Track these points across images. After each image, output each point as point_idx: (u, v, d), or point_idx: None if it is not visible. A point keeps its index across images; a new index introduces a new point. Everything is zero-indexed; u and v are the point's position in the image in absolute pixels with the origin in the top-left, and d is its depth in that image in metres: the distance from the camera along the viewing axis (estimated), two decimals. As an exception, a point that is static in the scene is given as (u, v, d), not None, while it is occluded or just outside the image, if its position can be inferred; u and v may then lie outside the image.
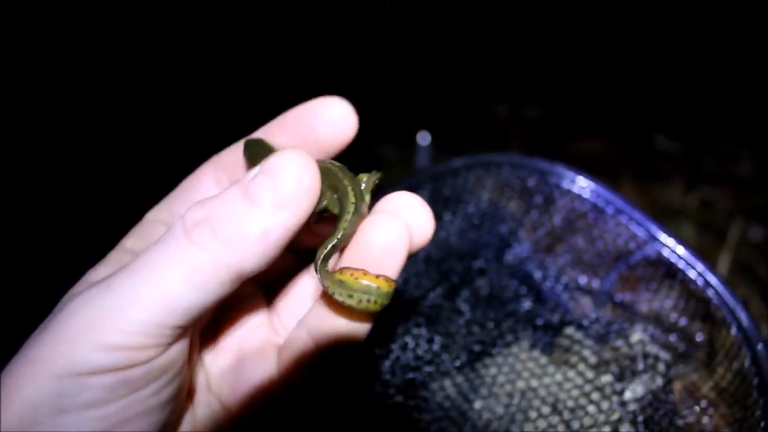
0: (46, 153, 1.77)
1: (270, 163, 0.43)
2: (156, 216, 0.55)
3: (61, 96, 1.94)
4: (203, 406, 0.53)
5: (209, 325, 0.56)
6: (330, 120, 0.53)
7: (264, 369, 0.53)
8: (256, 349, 0.54)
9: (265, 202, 0.42)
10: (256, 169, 0.44)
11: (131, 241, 0.53)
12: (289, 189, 0.42)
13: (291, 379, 0.52)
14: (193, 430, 0.51)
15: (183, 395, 0.48)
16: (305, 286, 0.57)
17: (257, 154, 0.51)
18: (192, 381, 0.52)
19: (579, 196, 1.01)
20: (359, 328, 0.50)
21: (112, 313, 0.40)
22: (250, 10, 2.54)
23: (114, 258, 0.51)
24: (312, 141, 0.53)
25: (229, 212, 0.42)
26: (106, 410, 0.40)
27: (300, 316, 0.52)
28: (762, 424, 0.80)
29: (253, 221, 0.42)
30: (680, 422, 0.88)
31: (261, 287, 0.59)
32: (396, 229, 0.46)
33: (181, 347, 0.45)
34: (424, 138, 1.69)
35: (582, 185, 1.00)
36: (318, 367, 0.50)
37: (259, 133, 0.55)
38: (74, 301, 0.41)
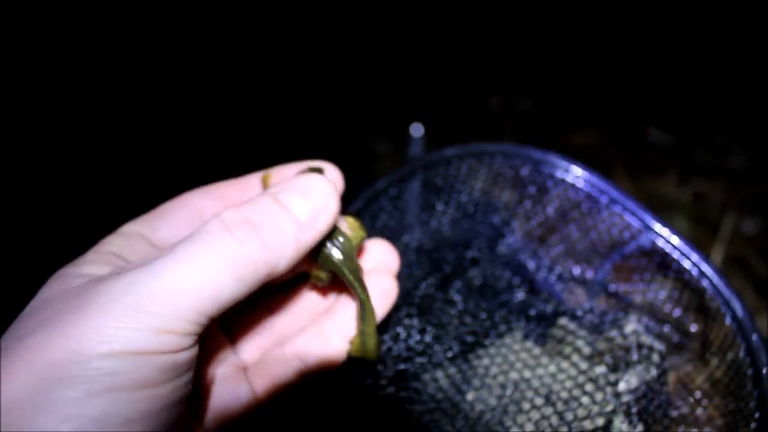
0: (44, 153, 1.75)
1: (301, 180, 0.50)
2: (135, 229, 0.56)
3: (57, 96, 1.92)
4: None
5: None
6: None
7: (233, 392, 0.57)
8: (222, 375, 0.58)
9: (296, 211, 0.48)
10: (278, 185, 0.51)
11: (113, 247, 0.53)
12: (318, 206, 0.49)
13: (268, 398, 0.58)
14: None
15: (188, 396, 0.48)
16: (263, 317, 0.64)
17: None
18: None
19: (573, 186, 0.99)
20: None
21: (160, 296, 0.41)
22: (247, 10, 2.52)
23: (98, 259, 0.50)
24: None
25: (265, 215, 0.47)
26: (155, 390, 0.41)
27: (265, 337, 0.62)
28: (756, 414, 0.80)
29: (286, 225, 0.47)
30: (674, 413, 0.87)
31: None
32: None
33: (198, 347, 0.46)
34: (417, 130, 1.68)
35: (576, 174, 0.99)
36: (299, 386, 0.59)
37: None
38: (113, 281, 0.41)
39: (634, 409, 0.82)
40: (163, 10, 2.35)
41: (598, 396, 0.81)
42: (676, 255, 0.93)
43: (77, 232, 1.55)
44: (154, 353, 0.40)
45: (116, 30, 2.20)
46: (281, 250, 0.46)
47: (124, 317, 0.39)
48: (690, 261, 0.93)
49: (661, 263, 0.96)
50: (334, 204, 0.50)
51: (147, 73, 2.11)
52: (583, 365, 0.85)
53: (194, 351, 0.45)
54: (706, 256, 0.92)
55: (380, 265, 0.64)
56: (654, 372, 0.86)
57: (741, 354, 0.86)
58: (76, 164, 1.73)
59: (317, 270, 0.57)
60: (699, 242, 1.75)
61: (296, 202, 0.48)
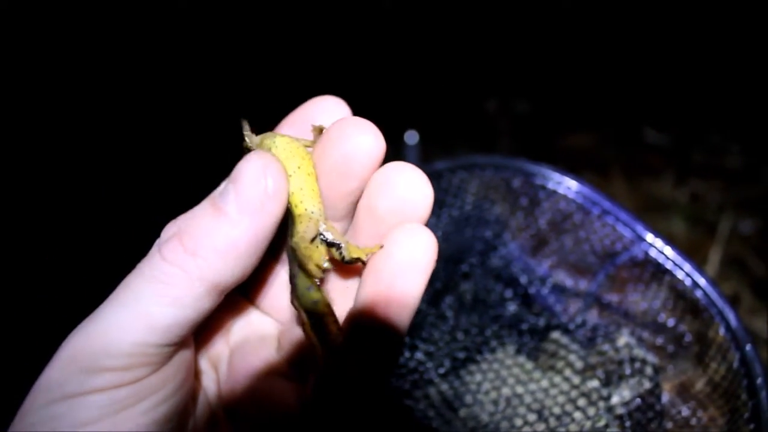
0: (43, 153, 1.75)
1: (235, 169, 0.43)
2: None
3: (57, 96, 1.93)
4: (216, 425, 0.52)
5: (220, 342, 0.55)
6: (324, 119, 0.50)
7: (263, 356, 0.52)
8: (253, 338, 0.54)
9: (230, 210, 0.42)
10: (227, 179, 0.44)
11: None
12: (252, 194, 0.42)
13: (292, 363, 0.52)
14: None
15: (182, 414, 0.47)
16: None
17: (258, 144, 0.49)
18: (198, 398, 0.51)
19: (564, 197, 0.99)
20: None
21: (96, 337, 0.41)
22: (247, 10, 2.52)
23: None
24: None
25: (197, 224, 0.42)
26: (95, 428, 0.41)
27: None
28: (751, 426, 0.80)
29: (219, 231, 0.42)
30: (669, 425, 0.87)
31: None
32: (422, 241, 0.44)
33: (175, 366, 0.44)
34: (412, 137, 1.68)
35: (568, 186, 0.98)
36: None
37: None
38: (70, 334, 0.42)
39: (628, 423, 0.82)
40: (163, 10, 2.36)
41: (591, 411, 0.81)
42: (669, 265, 0.93)
43: (77, 232, 1.55)
44: (95, 392, 0.41)
45: (116, 30, 2.20)
46: (216, 262, 0.42)
47: (68, 362, 0.41)
48: (683, 271, 0.93)
49: (655, 273, 0.96)
50: (274, 183, 0.43)
51: (147, 73, 2.12)
52: (576, 380, 0.85)
53: (161, 377, 0.43)
54: (700, 263, 0.93)
55: (402, 208, 0.45)
56: (647, 385, 0.86)
57: (735, 364, 0.86)
58: (76, 164, 1.74)
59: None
60: (696, 243, 1.75)
61: (230, 200, 0.42)
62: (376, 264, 0.45)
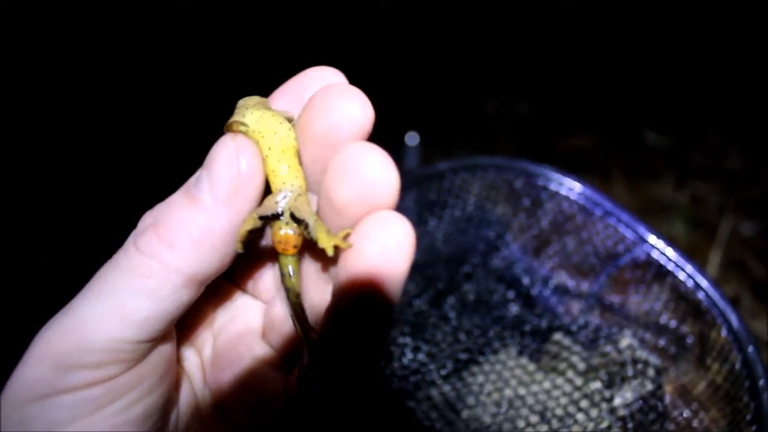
0: (43, 154, 1.75)
1: (208, 155, 0.41)
2: None
3: (57, 96, 1.92)
4: (202, 412, 0.50)
5: (205, 327, 0.53)
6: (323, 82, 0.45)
7: (249, 344, 0.50)
8: (237, 334, 0.51)
9: (204, 198, 0.40)
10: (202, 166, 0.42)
11: None
12: (226, 179, 0.40)
13: (279, 358, 0.50)
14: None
15: (162, 411, 0.45)
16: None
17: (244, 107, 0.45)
18: (181, 389, 0.49)
19: (567, 198, 0.99)
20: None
21: (68, 331, 0.39)
22: (247, 9, 2.52)
23: None
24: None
25: (172, 214, 0.41)
26: (70, 428, 0.39)
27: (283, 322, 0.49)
28: (753, 428, 0.80)
29: (193, 220, 0.40)
30: (671, 426, 0.87)
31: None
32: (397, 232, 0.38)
33: (153, 363, 0.43)
34: (412, 138, 1.68)
35: (569, 187, 0.98)
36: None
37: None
38: (42, 328, 0.41)
39: (630, 424, 0.82)
40: (163, 10, 2.36)
41: (594, 412, 0.81)
42: (671, 267, 0.93)
43: (77, 232, 1.55)
44: (66, 392, 0.39)
45: (116, 30, 2.20)
46: (192, 251, 0.40)
47: (38, 361, 0.39)
48: (685, 272, 0.93)
49: (657, 275, 0.96)
50: (246, 165, 0.41)
51: (147, 73, 2.12)
52: (578, 381, 0.84)
53: (137, 374, 0.42)
54: (701, 265, 0.92)
55: (367, 194, 0.39)
56: (650, 386, 0.86)
57: (737, 366, 0.85)
58: (76, 164, 1.73)
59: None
60: (697, 245, 1.75)
61: (204, 186, 0.40)
62: (347, 260, 0.39)
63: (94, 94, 1.99)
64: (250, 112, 0.43)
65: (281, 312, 0.50)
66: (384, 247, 0.38)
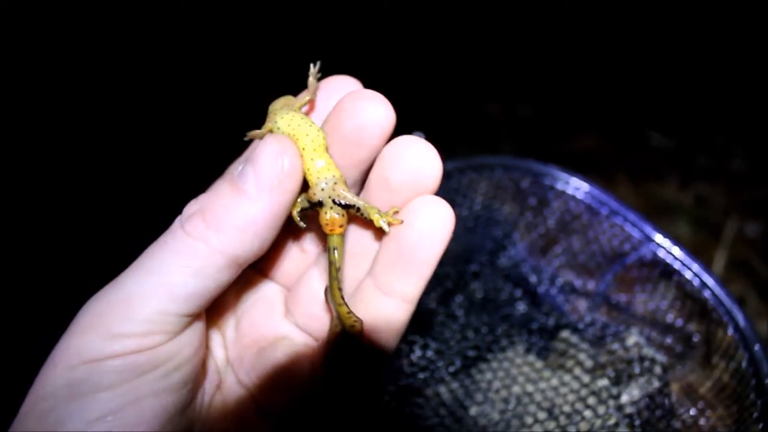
0: (43, 155, 1.76)
1: (253, 152, 0.46)
2: None
3: (58, 96, 1.93)
4: (225, 389, 0.53)
5: (228, 310, 0.56)
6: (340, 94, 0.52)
7: (274, 330, 0.55)
8: (261, 314, 0.56)
9: (249, 189, 0.45)
10: (243, 160, 0.48)
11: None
12: (270, 173, 0.45)
13: (303, 335, 0.55)
14: (211, 412, 0.52)
15: (195, 381, 0.49)
16: (312, 276, 0.56)
17: (273, 110, 0.52)
18: (208, 365, 0.53)
19: (573, 198, 1.00)
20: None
21: (118, 304, 0.43)
22: (247, 9, 2.53)
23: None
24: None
25: (218, 202, 0.45)
26: (114, 392, 0.42)
27: (310, 302, 0.54)
28: (760, 425, 0.80)
29: (239, 208, 0.45)
30: (678, 424, 0.88)
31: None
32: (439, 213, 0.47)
33: (190, 336, 0.47)
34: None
35: (576, 186, 0.99)
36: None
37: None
38: (90, 300, 0.45)
39: (637, 421, 0.83)
40: (163, 11, 2.36)
41: (601, 409, 0.82)
42: (677, 265, 0.94)
43: (78, 231, 1.56)
44: (114, 357, 0.42)
45: (116, 30, 2.21)
46: (236, 236, 0.45)
47: (89, 328, 0.43)
48: (691, 271, 0.93)
49: (663, 274, 0.96)
50: (289, 163, 0.46)
51: (147, 73, 2.12)
52: (586, 378, 0.85)
53: (178, 344, 0.45)
54: (707, 266, 0.93)
55: (414, 179, 0.47)
56: (656, 383, 0.86)
57: (743, 364, 0.86)
58: (76, 164, 1.74)
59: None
60: (701, 246, 1.75)
61: (249, 179, 0.45)
62: (396, 232, 0.48)
63: (94, 94, 2.00)
64: (281, 117, 0.50)
65: (309, 291, 0.54)
66: (431, 221, 0.47)
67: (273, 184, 0.45)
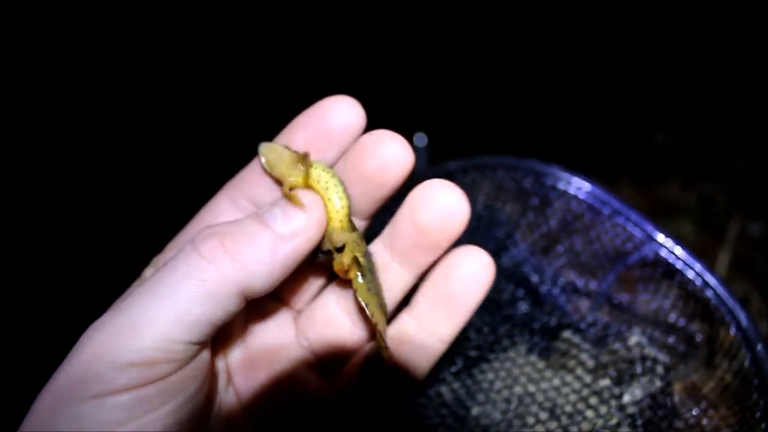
0: (44, 154, 1.76)
1: (284, 197, 0.49)
2: (175, 246, 0.55)
3: (58, 97, 1.94)
4: (224, 408, 0.53)
5: (235, 332, 0.56)
6: (340, 115, 0.53)
7: (286, 353, 0.55)
8: (272, 337, 0.56)
9: (275, 227, 0.46)
10: (270, 203, 0.50)
11: (151, 270, 0.54)
12: (298, 219, 0.48)
13: (317, 359, 0.56)
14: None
15: (205, 408, 0.48)
16: (329, 301, 0.58)
17: (278, 159, 0.53)
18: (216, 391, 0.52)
19: (575, 198, 1.00)
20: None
21: (123, 332, 0.41)
22: (247, 10, 2.53)
23: (135, 286, 0.52)
24: (325, 137, 0.54)
25: (239, 231, 0.46)
26: (125, 428, 0.41)
27: (326, 325, 0.56)
28: (763, 425, 0.80)
29: (261, 241, 0.45)
30: (680, 424, 0.87)
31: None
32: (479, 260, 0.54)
33: (198, 365, 0.45)
34: (420, 139, 1.69)
35: (578, 186, 0.99)
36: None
37: (279, 139, 0.56)
38: (91, 327, 0.43)
39: (639, 421, 0.83)
40: (164, 12, 2.37)
41: (603, 409, 0.82)
42: (679, 265, 0.94)
43: (78, 231, 1.56)
44: (121, 391, 0.41)
45: (116, 30, 2.21)
46: (253, 267, 0.45)
47: (93, 359, 0.41)
48: (693, 271, 0.93)
49: (665, 273, 0.96)
50: (318, 214, 0.49)
51: (147, 73, 2.13)
52: (587, 378, 0.85)
53: (186, 374, 0.44)
54: (709, 266, 0.93)
55: (443, 220, 0.52)
56: (659, 383, 0.86)
57: (746, 363, 0.86)
58: (76, 164, 1.74)
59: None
60: (705, 246, 1.75)
61: (277, 220, 0.47)
62: (441, 278, 0.54)
63: (94, 94, 2.00)
64: (314, 168, 0.51)
65: (325, 314, 0.57)
66: (474, 270, 0.54)
67: (300, 228, 0.47)
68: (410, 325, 0.56)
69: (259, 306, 0.57)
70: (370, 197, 0.53)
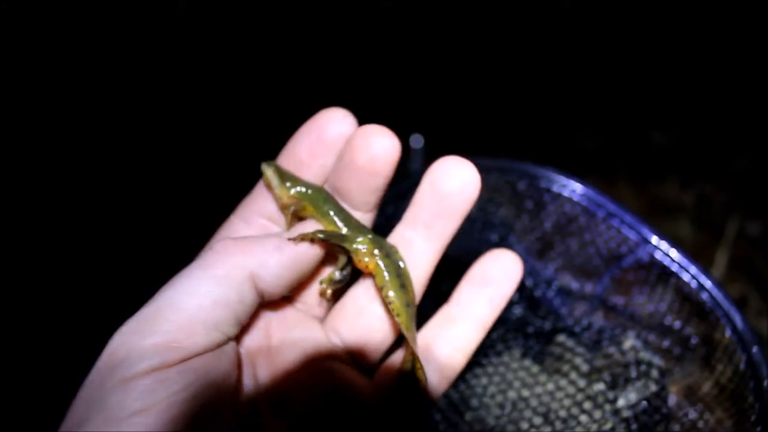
0: (45, 154, 1.77)
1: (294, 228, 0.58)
2: None
3: (59, 98, 1.94)
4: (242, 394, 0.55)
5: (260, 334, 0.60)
6: (333, 126, 0.60)
7: (311, 344, 0.60)
8: (306, 344, 0.60)
9: (282, 234, 0.55)
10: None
11: None
12: (301, 229, 0.57)
13: (350, 350, 0.62)
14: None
15: (225, 402, 0.50)
16: (358, 294, 0.64)
17: (271, 179, 0.61)
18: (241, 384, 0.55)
19: (570, 200, 0.99)
20: None
21: (149, 318, 0.46)
22: (247, 11, 2.53)
23: None
24: (323, 147, 0.61)
25: (250, 237, 0.54)
26: (149, 413, 0.43)
27: (357, 315, 0.62)
28: (759, 428, 0.79)
29: (269, 240, 0.53)
30: (676, 427, 0.87)
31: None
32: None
33: (220, 355, 0.49)
34: (417, 141, 1.68)
35: (572, 189, 0.98)
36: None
37: (283, 153, 0.64)
38: (124, 324, 0.48)
39: (634, 426, 0.82)
40: (163, 11, 2.37)
41: (597, 414, 0.81)
42: (674, 267, 0.93)
43: (79, 231, 1.56)
44: (139, 375, 0.44)
45: (117, 31, 2.21)
46: (263, 257, 0.51)
47: (113, 351, 0.45)
48: (689, 273, 0.92)
49: (660, 276, 0.95)
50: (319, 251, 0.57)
51: (147, 74, 2.13)
52: (582, 383, 0.85)
53: (201, 362, 0.47)
54: (707, 266, 0.92)
55: (461, 189, 0.61)
56: (654, 387, 0.86)
57: (742, 366, 0.85)
58: (77, 165, 1.74)
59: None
60: (703, 246, 1.74)
61: (282, 230, 0.58)
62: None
63: (97, 96, 2.00)
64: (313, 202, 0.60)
65: (355, 306, 0.63)
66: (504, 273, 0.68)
67: (302, 234, 0.55)
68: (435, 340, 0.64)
69: (285, 313, 0.61)
70: (367, 188, 0.59)
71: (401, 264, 0.61)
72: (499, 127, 2.26)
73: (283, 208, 0.60)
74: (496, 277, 0.67)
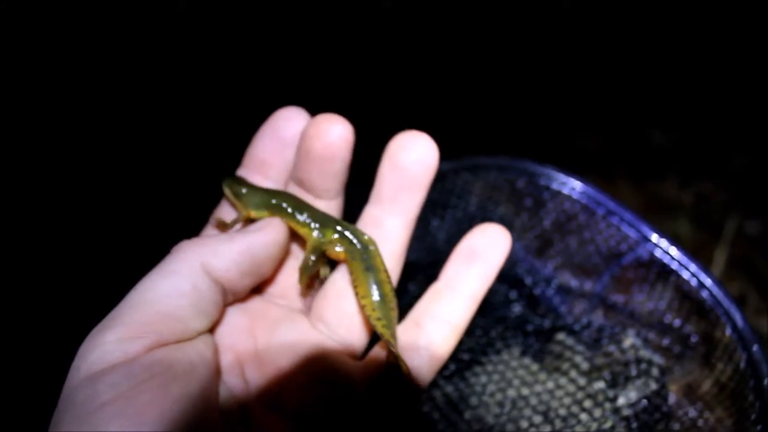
0: (45, 155, 1.76)
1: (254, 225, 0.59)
2: None
3: (59, 98, 1.93)
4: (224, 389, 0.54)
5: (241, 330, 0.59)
6: (289, 124, 0.62)
7: (304, 337, 0.60)
8: (291, 338, 0.59)
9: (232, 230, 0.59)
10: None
11: None
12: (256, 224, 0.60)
13: (339, 345, 0.61)
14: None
15: (203, 406, 0.48)
16: (336, 279, 0.64)
17: (230, 192, 0.64)
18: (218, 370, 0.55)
19: (569, 198, 0.99)
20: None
21: (111, 318, 0.48)
22: (247, 11, 2.52)
23: None
24: (281, 145, 0.63)
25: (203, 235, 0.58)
26: (117, 402, 0.43)
27: (338, 297, 0.62)
28: (759, 427, 0.79)
29: (221, 235, 0.56)
30: (676, 426, 0.87)
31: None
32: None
33: (188, 351, 0.49)
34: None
35: (572, 186, 0.98)
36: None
37: (245, 158, 0.66)
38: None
39: (634, 424, 0.82)
40: (162, 11, 2.36)
41: (597, 412, 0.81)
42: (674, 265, 0.93)
43: (78, 231, 1.56)
44: (106, 371, 0.44)
45: (116, 31, 2.20)
46: (215, 244, 0.54)
47: (86, 348, 0.47)
48: (689, 271, 0.92)
49: (660, 274, 0.95)
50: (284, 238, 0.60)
51: (147, 74, 2.12)
52: (582, 381, 0.84)
53: (172, 353, 0.47)
54: (706, 265, 0.92)
55: (420, 160, 0.61)
56: (654, 386, 0.85)
57: (742, 365, 0.85)
58: (77, 165, 1.74)
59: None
60: (702, 244, 1.74)
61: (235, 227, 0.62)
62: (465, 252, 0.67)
63: (97, 97, 2.00)
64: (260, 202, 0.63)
65: (335, 289, 0.63)
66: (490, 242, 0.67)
67: (255, 226, 0.58)
68: (416, 333, 0.62)
69: (267, 311, 0.61)
70: (327, 174, 0.61)
71: (370, 248, 0.60)
72: (498, 125, 2.26)
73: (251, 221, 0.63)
74: (484, 250, 0.66)
